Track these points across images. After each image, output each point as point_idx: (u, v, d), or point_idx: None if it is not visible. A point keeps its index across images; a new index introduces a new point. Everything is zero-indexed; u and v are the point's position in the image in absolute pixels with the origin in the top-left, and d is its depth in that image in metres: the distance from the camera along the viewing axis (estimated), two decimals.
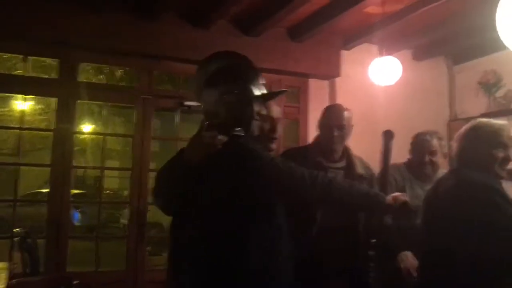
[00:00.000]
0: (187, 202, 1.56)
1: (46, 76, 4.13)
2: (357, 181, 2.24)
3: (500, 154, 1.98)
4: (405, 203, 1.69)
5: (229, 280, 1.48)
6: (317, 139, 2.40)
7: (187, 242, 1.55)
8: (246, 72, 1.68)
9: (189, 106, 5.15)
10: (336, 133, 2.28)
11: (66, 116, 4.04)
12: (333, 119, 2.31)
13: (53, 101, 4.25)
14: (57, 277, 3.32)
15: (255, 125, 1.67)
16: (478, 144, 2.00)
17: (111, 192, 13.35)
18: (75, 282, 2.93)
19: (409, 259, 2.43)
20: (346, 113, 2.34)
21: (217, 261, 1.49)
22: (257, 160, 1.54)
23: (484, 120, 2.11)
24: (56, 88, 4.04)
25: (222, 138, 1.49)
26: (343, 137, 2.32)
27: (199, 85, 1.70)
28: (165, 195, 1.63)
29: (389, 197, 1.68)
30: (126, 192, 8.90)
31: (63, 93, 4.03)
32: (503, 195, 1.85)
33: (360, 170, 2.33)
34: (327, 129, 2.30)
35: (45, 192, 4.13)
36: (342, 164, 2.34)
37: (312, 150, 2.34)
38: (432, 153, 2.73)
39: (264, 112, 1.72)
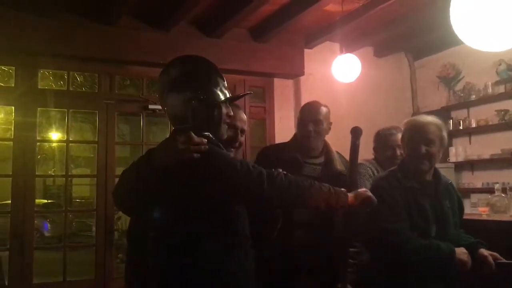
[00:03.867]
0: (148, 203, 1.55)
1: (1, 84, 4.00)
2: (335, 177, 2.20)
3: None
4: (368, 198, 1.69)
5: (183, 283, 1.47)
6: (295, 136, 2.41)
7: (143, 245, 1.53)
8: (210, 76, 1.69)
9: (154, 110, 5.03)
10: (311, 128, 2.28)
11: (26, 124, 3.95)
12: (308, 114, 2.31)
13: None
14: None
15: (224, 128, 1.69)
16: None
17: (83, 200, 13.06)
18: None
19: None
20: (322, 109, 2.34)
21: (172, 264, 1.49)
22: (216, 162, 1.53)
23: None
24: (12, 96, 3.93)
25: (197, 144, 1.49)
26: (319, 132, 2.30)
27: (162, 89, 1.70)
28: (124, 195, 1.63)
29: (351, 194, 1.67)
30: None
31: (20, 101, 3.92)
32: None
33: (339, 166, 2.29)
34: (303, 124, 2.30)
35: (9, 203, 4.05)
36: (320, 160, 2.32)
37: (289, 146, 2.35)
38: (400, 146, 2.72)
39: (231, 114, 1.72)
